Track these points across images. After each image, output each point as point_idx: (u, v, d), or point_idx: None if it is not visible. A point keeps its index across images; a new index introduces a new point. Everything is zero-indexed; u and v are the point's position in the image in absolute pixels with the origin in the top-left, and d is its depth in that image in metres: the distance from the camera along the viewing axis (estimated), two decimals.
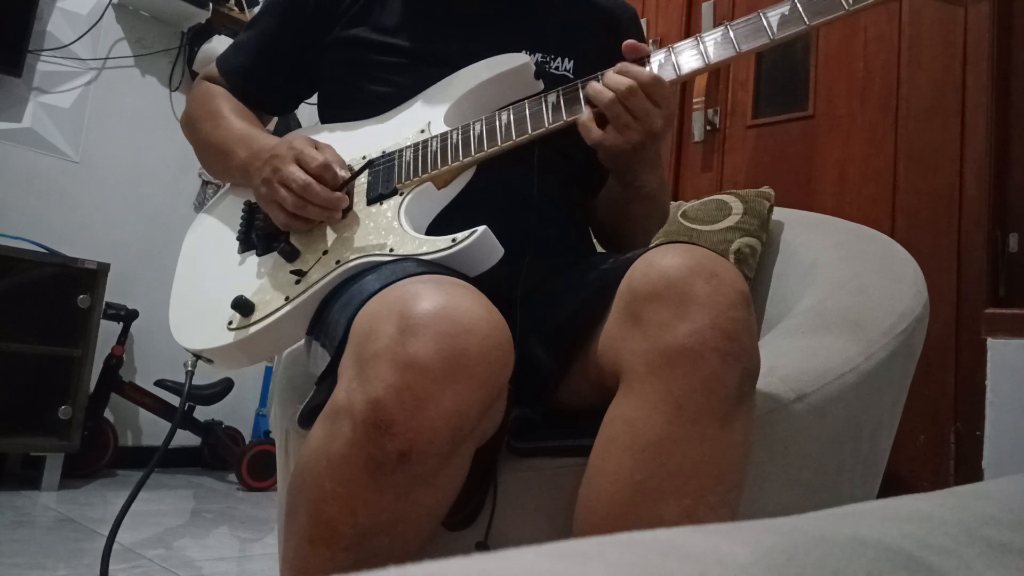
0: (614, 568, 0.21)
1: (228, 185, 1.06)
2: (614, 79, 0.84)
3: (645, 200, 0.97)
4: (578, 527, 0.72)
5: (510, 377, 0.69)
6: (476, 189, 0.91)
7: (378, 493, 0.64)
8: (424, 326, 0.63)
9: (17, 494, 2.12)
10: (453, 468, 0.68)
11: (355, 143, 0.97)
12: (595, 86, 0.84)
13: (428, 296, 0.66)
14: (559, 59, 1.00)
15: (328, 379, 0.73)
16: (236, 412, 2.84)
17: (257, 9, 2.92)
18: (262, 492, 2.51)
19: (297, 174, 0.86)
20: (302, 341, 0.91)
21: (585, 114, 0.85)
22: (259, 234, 0.92)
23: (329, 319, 0.80)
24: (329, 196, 0.86)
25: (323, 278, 0.84)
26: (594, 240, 1.10)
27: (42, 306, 2.20)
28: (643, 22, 2.42)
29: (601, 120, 0.85)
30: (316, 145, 0.91)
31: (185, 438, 2.67)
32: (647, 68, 0.86)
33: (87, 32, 2.61)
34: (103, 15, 2.65)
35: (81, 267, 2.27)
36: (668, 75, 0.85)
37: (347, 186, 0.89)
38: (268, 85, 1.09)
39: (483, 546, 0.78)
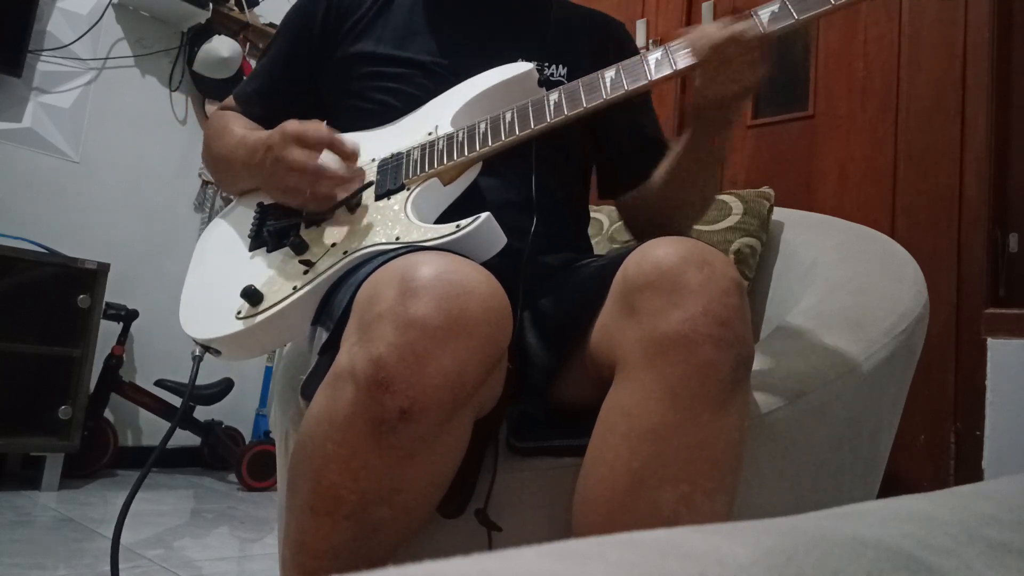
0: (614, 568, 0.21)
1: None
2: (740, 27, 0.81)
3: (713, 168, 0.97)
4: (577, 518, 0.72)
5: (509, 341, 0.70)
6: (477, 188, 0.94)
7: (379, 455, 0.65)
8: (425, 288, 0.65)
9: (17, 494, 2.12)
10: (452, 434, 0.68)
11: (365, 148, 0.99)
12: (741, 28, 0.81)
13: (429, 262, 0.68)
14: (554, 66, 1.03)
15: (330, 352, 0.75)
16: (236, 412, 2.84)
17: (257, 9, 2.93)
18: (262, 492, 2.51)
19: (300, 155, 0.89)
20: (307, 337, 0.91)
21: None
22: (271, 231, 0.94)
23: (333, 303, 0.82)
24: (336, 173, 0.89)
25: (331, 267, 0.86)
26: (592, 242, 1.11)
27: (42, 306, 2.20)
28: (643, 22, 2.43)
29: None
30: (308, 128, 0.92)
31: (185, 438, 2.67)
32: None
33: (87, 32, 2.61)
34: (103, 15, 2.66)
35: (81, 267, 2.27)
36: (665, 71, 0.86)
37: (355, 193, 0.91)
38: (282, 108, 1.10)
39: (482, 513, 0.78)
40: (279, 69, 1.11)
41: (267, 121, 1.10)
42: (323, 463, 0.67)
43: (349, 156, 0.91)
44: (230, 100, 1.15)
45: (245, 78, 1.20)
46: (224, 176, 1.08)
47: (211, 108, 2.83)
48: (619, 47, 1.07)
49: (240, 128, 1.05)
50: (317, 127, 0.90)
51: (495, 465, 0.80)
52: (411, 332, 0.63)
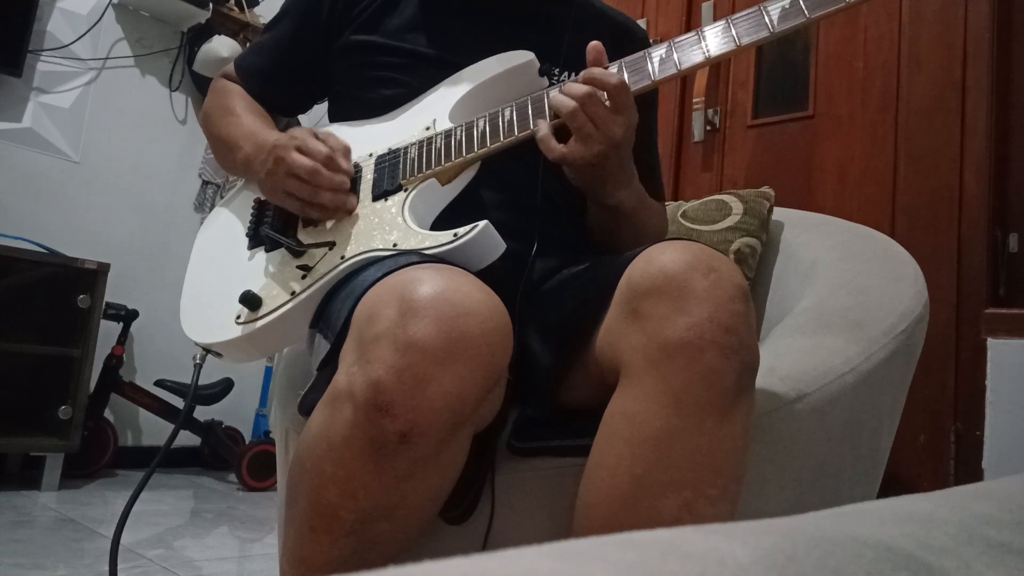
0: (614, 568, 0.21)
1: (242, 182, 1.08)
2: (574, 87, 0.84)
3: (626, 219, 0.96)
4: (578, 522, 0.72)
5: (509, 361, 0.70)
6: (481, 191, 0.92)
7: (378, 476, 0.64)
8: (425, 308, 0.64)
9: (17, 494, 2.12)
10: (452, 452, 0.68)
11: (362, 141, 0.98)
12: (557, 96, 0.84)
13: (428, 280, 0.67)
14: (566, 73, 1.01)
15: (328, 367, 0.74)
16: (236, 412, 2.84)
17: (257, 9, 2.93)
18: (262, 492, 2.51)
19: (303, 160, 0.88)
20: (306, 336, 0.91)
21: (543, 129, 0.85)
22: (268, 232, 0.93)
23: (331, 311, 0.81)
24: (333, 179, 0.88)
25: (328, 273, 0.85)
26: None
27: (42, 306, 2.20)
28: (643, 22, 2.43)
29: (562, 135, 0.85)
30: (317, 135, 0.92)
31: (185, 438, 2.67)
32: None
33: (87, 32, 2.61)
34: (103, 15, 2.65)
35: (81, 267, 2.26)
36: (669, 70, 0.85)
37: (352, 177, 0.91)
38: (282, 89, 1.11)
39: None
40: (282, 51, 1.09)
41: (265, 100, 1.11)
42: (321, 483, 0.66)
43: (344, 173, 0.90)
44: (231, 68, 1.13)
45: (249, 47, 1.18)
46: (224, 159, 1.07)
47: None
48: None
49: (247, 115, 1.04)
50: (318, 146, 0.89)
51: (493, 497, 0.79)
52: (411, 354, 0.63)
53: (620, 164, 0.88)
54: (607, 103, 0.83)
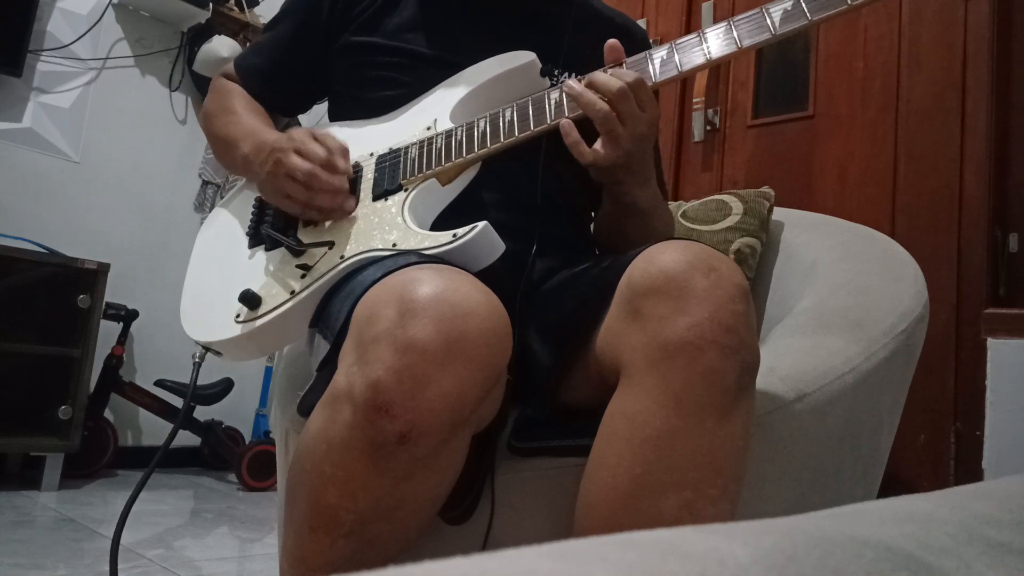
0: (614, 568, 0.21)
1: (243, 182, 1.08)
2: (604, 81, 0.83)
3: (638, 217, 0.96)
4: (579, 522, 0.72)
5: (508, 362, 0.70)
6: (481, 191, 0.92)
7: (378, 477, 0.64)
8: (424, 309, 0.64)
9: (17, 494, 2.12)
10: (451, 452, 0.68)
11: (363, 141, 0.98)
12: (588, 96, 0.84)
13: (428, 281, 0.67)
14: (566, 74, 1.01)
15: (328, 367, 0.74)
16: (236, 412, 2.84)
17: (257, 9, 2.93)
18: (262, 492, 2.51)
19: (301, 163, 0.88)
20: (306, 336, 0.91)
21: (573, 134, 0.85)
22: (268, 231, 0.93)
23: (331, 311, 0.81)
24: (332, 181, 0.88)
25: (328, 272, 0.85)
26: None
27: (42, 306, 2.20)
28: (643, 22, 2.43)
29: (583, 133, 0.85)
30: (316, 136, 0.92)
31: (185, 438, 2.67)
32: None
33: (87, 32, 2.61)
34: (103, 15, 2.65)
35: (81, 267, 2.26)
36: (670, 72, 0.85)
37: (350, 178, 0.91)
38: (282, 89, 1.11)
39: None
40: (282, 51, 1.09)
41: (264, 100, 1.11)
42: (321, 484, 0.67)
43: (342, 174, 0.90)
44: (231, 68, 1.14)
45: (248, 47, 1.19)
46: (225, 158, 1.07)
47: None
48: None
49: (247, 114, 1.05)
50: (315, 148, 0.89)
51: (493, 497, 0.79)
52: (410, 355, 0.63)
53: (642, 161, 0.89)
54: (633, 102, 0.83)
